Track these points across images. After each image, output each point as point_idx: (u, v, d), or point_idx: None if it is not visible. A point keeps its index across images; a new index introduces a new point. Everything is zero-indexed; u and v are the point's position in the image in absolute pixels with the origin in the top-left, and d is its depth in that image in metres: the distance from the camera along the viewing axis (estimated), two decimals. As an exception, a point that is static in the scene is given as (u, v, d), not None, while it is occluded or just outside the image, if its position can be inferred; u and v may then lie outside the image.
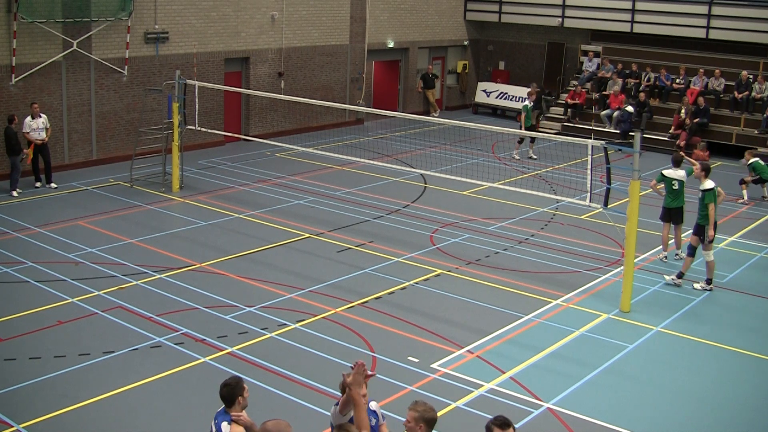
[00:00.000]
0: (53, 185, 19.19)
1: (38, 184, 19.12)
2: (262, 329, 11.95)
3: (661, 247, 15.80)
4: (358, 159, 20.59)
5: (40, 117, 18.88)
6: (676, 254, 15.72)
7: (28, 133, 18.72)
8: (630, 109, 26.39)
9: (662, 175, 15.39)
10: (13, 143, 18.35)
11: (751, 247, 16.65)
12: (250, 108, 25.21)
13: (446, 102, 33.00)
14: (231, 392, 6.69)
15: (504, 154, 24.78)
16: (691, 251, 14.23)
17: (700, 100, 25.72)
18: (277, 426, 6.00)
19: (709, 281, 14.07)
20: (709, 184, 14.06)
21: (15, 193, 18.30)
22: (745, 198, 20.16)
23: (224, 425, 6.62)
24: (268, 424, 6.06)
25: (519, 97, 30.76)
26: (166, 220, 17.30)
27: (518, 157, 24.01)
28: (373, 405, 6.75)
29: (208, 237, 16.12)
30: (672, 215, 15.49)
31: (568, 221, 17.94)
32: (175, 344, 11.38)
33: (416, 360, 11.16)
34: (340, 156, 19.92)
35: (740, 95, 25.90)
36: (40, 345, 11.25)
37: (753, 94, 25.71)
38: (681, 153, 16.77)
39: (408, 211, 18.34)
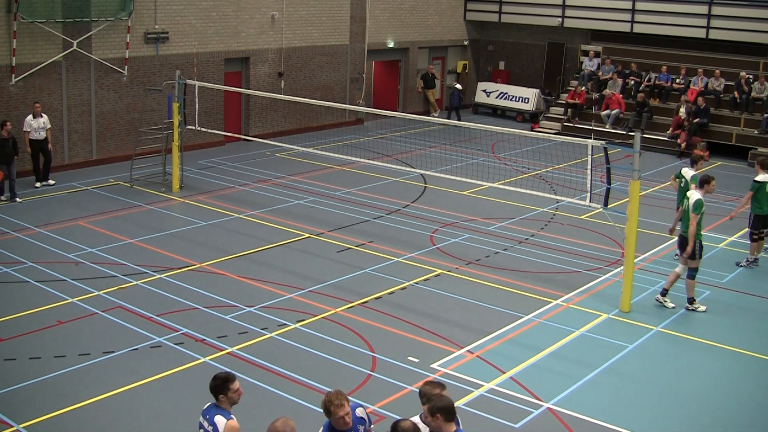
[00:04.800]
0: (51, 182, 19.17)
1: (38, 185, 19.08)
2: (262, 329, 11.95)
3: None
4: (358, 159, 20.59)
5: (41, 117, 18.86)
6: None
7: (27, 132, 18.71)
8: (459, 86, 28.63)
9: (680, 171, 15.41)
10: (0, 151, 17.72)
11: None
12: (250, 108, 25.21)
13: (446, 102, 32.99)
14: (214, 388, 6.71)
15: (504, 153, 24.78)
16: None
17: (700, 100, 25.73)
18: (285, 424, 5.99)
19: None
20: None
21: (3, 198, 17.79)
22: None
23: (218, 418, 6.56)
24: (277, 423, 6.04)
25: (519, 97, 30.82)
26: (166, 220, 17.30)
27: None
28: (359, 412, 6.70)
29: (208, 237, 16.12)
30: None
31: (568, 221, 17.94)
32: (175, 344, 11.38)
33: (416, 360, 11.16)
34: (340, 156, 19.92)
35: (740, 95, 25.90)
36: (40, 345, 11.25)
37: (753, 94, 25.70)
38: (697, 154, 16.51)
39: (408, 211, 18.34)
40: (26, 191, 18.66)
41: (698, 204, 13.05)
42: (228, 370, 6.86)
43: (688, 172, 15.26)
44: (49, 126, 19.05)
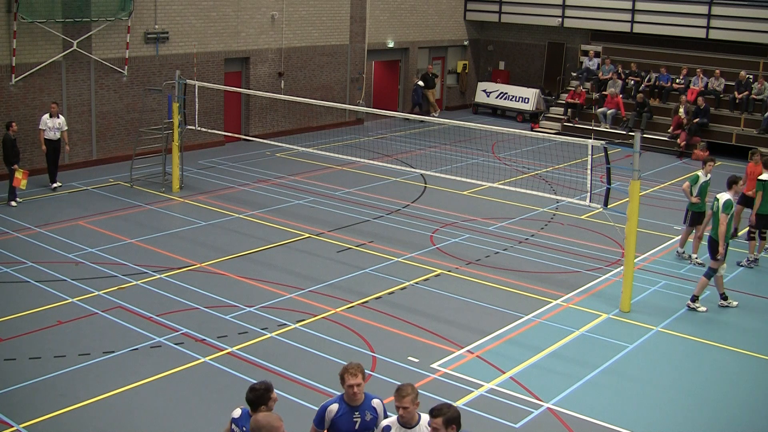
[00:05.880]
0: (58, 184, 19.04)
1: (54, 185, 18.93)
2: (262, 329, 11.95)
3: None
4: (358, 159, 20.59)
5: (58, 117, 18.77)
6: (677, 252, 15.73)
7: (43, 130, 18.60)
8: (421, 83, 29.65)
9: (697, 177, 15.37)
10: (9, 151, 17.73)
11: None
12: (250, 108, 25.22)
13: (446, 102, 33.01)
14: (256, 399, 6.54)
15: (504, 153, 24.78)
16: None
17: (700, 100, 25.73)
18: (268, 418, 5.97)
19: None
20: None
21: (14, 203, 17.62)
22: None
23: None
24: (259, 416, 6.01)
25: (519, 97, 30.82)
26: (166, 220, 17.30)
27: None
28: (376, 402, 6.83)
29: (208, 237, 16.12)
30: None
31: (568, 221, 17.94)
32: (175, 344, 11.38)
33: (416, 360, 11.16)
34: (340, 156, 19.92)
35: (740, 95, 25.90)
36: (40, 345, 11.25)
37: (753, 93, 25.69)
38: (702, 156, 16.44)
39: (408, 211, 18.34)
40: (30, 191, 18.56)
41: (728, 204, 13.20)
42: (263, 380, 6.84)
43: (702, 176, 15.20)
44: (65, 128, 18.98)
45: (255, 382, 6.79)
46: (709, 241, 13.52)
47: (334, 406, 6.72)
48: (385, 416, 6.85)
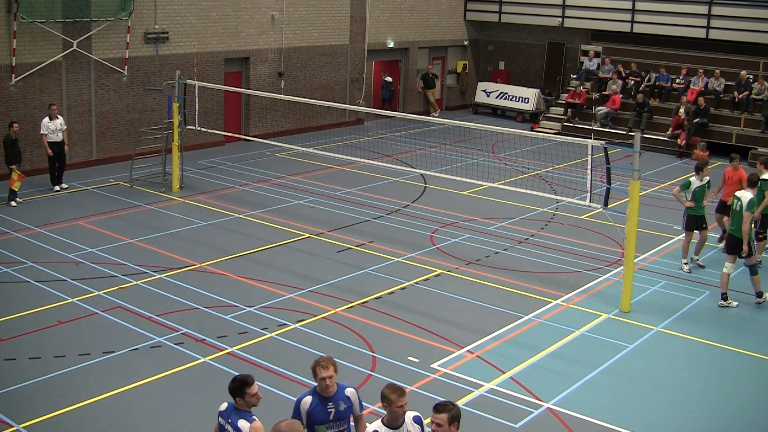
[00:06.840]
0: (58, 188, 18.89)
1: (57, 188, 18.86)
2: (262, 329, 11.95)
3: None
4: (358, 159, 20.59)
5: (58, 118, 18.69)
6: (691, 260, 15.61)
7: (45, 134, 18.50)
8: (389, 79, 29.39)
9: (688, 181, 15.29)
10: (10, 151, 17.72)
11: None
12: (250, 108, 25.22)
13: (446, 102, 33.01)
14: (233, 391, 6.72)
15: (504, 153, 24.78)
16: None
17: (700, 100, 25.73)
18: (290, 426, 6.04)
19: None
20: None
21: (13, 203, 17.59)
22: None
23: (241, 423, 6.58)
24: (281, 424, 6.08)
25: (519, 97, 30.83)
26: (166, 220, 17.30)
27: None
28: (349, 391, 6.96)
29: (208, 237, 16.12)
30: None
31: (568, 221, 17.94)
32: (175, 344, 11.39)
33: (416, 360, 11.16)
34: (340, 156, 19.92)
35: (740, 95, 25.91)
36: (40, 345, 11.25)
37: (753, 93, 25.69)
38: (702, 160, 16.32)
39: (408, 211, 18.34)
40: (30, 191, 18.55)
41: (752, 203, 13.33)
42: (247, 373, 6.91)
43: (695, 182, 15.14)
44: (65, 127, 18.90)
45: (256, 381, 6.83)
46: (728, 239, 13.58)
47: (308, 399, 6.88)
48: (360, 404, 7.00)
